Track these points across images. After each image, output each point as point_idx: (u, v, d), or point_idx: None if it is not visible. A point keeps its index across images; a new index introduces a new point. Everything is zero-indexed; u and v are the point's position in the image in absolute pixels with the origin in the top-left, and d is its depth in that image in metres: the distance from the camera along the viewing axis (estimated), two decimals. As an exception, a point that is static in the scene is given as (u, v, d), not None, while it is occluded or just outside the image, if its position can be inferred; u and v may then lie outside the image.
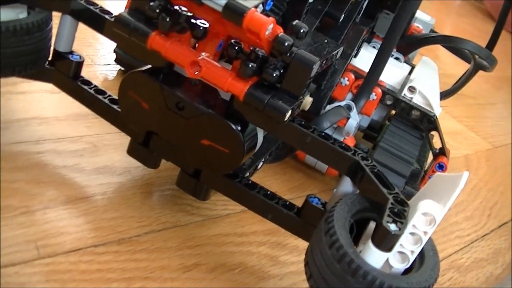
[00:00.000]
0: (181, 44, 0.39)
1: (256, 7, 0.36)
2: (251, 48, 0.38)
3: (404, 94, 0.59)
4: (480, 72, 0.69)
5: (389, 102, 0.58)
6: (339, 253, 0.33)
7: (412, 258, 0.34)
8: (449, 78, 0.86)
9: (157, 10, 0.38)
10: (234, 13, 0.35)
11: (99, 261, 0.38)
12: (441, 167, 0.58)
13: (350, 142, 0.56)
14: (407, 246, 0.34)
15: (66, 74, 0.45)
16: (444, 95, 0.75)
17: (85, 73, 0.46)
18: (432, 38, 0.68)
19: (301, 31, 0.38)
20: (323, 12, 0.51)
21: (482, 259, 0.59)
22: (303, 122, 0.40)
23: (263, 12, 0.38)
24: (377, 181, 0.37)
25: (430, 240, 0.37)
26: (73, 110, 0.50)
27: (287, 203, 0.42)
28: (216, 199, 0.48)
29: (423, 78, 0.62)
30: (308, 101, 0.40)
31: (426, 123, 0.58)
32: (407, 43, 0.68)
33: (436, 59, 0.74)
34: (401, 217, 0.34)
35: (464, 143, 0.87)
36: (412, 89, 0.59)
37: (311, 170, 0.59)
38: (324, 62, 0.46)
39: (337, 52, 0.51)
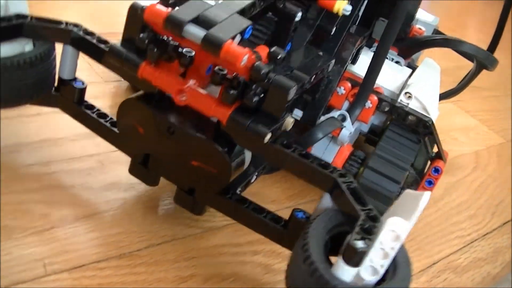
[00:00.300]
0: (169, 72, 0.42)
1: (233, 38, 0.39)
2: (234, 75, 0.41)
3: (401, 100, 0.60)
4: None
5: (386, 109, 0.60)
6: (311, 268, 0.36)
7: (382, 271, 0.37)
8: (462, 70, 0.86)
9: (146, 42, 0.41)
10: (212, 45, 0.38)
11: (101, 275, 0.42)
12: (437, 171, 0.59)
13: (347, 149, 0.58)
14: (376, 260, 0.36)
15: (71, 99, 0.49)
16: (447, 95, 0.76)
17: (95, 90, 0.49)
18: (430, 41, 0.69)
19: (278, 57, 0.41)
20: (315, 25, 0.53)
21: (481, 258, 0.60)
22: (285, 142, 0.42)
23: (242, 40, 0.41)
24: (351, 197, 0.39)
25: (403, 250, 0.39)
26: (83, 130, 0.54)
27: (275, 216, 0.45)
28: (215, 211, 0.51)
29: (421, 82, 0.64)
30: (289, 121, 0.43)
31: (422, 128, 0.59)
32: (407, 46, 0.69)
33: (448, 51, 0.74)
34: (370, 234, 0.37)
35: (476, 138, 0.87)
36: (408, 95, 0.60)
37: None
38: (313, 77, 0.49)
39: (329, 65, 0.53)
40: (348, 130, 0.56)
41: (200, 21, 0.39)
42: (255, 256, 0.49)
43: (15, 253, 0.41)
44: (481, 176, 0.77)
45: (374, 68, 0.56)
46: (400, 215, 0.37)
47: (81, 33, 0.46)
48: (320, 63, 0.52)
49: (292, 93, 0.40)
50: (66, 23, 0.47)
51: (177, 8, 0.40)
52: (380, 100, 0.59)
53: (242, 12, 0.42)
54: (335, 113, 0.56)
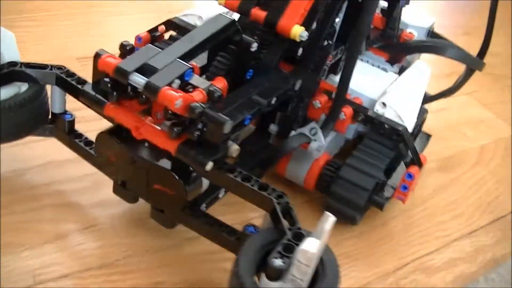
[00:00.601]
0: (129, 110, 0.48)
1: (170, 84, 0.45)
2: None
3: (376, 109, 0.63)
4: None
5: (360, 119, 0.63)
6: (238, 281, 0.41)
7: (304, 283, 0.41)
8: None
9: (108, 85, 0.48)
10: (151, 92, 0.44)
11: (81, 283, 0.50)
12: (410, 177, 0.62)
13: (323, 159, 0.62)
14: (296, 275, 0.41)
15: (63, 130, 0.57)
16: (439, 96, 0.77)
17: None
18: (414, 47, 0.71)
19: (215, 95, 0.46)
20: (282, 49, 0.57)
21: (458, 258, 0.63)
22: (229, 167, 0.48)
23: (183, 84, 0.46)
24: (281, 217, 0.44)
25: (332, 258, 0.43)
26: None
27: (230, 230, 0.50)
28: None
29: (399, 89, 0.66)
30: (234, 149, 0.48)
31: (396, 136, 0.62)
32: (393, 53, 0.71)
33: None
34: (291, 252, 0.42)
35: (485, 132, 0.87)
36: (382, 104, 0.63)
37: (294, 183, 0.66)
38: (275, 99, 0.54)
39: (295, 84, 0.57)
40: (319, 142, 0.60)
41: (144, 69, 0.45)
42: (224, 262, 0.54)
43: (11, 266, 0.49)
44: (481, 172, 0.78)
45: (344, 83, 0.59)
46: (316, 235, 0.42)
47: (63, 75, 0.54)
48: (283, 85, 0.56)
49: (228, 127, 0.45)
50: (52, 67, 0.54)
51: (127, 57, 0.46)
52: (355, 111, 0.63)
53: (188, 55, 0.48)
54: (307, 128, 0.60)
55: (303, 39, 0.54)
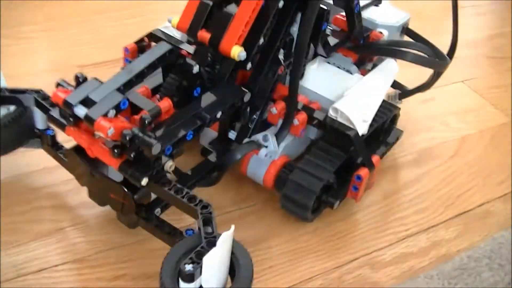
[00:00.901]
0: (84, 132, 0.56)
1: (106, 114, 0.52)
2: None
3: (330, 114, 0.67)
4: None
5: (314, 122, 0.67)
6: (161, 284, 0.49)
7: (215, 284, 0.48)
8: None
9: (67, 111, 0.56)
10: (88, 122, 0.52)
11: (55, 276, 0.59)
12: (359, 178, 0.66)
13: (280, 161, 0.67)
14: (208, 276, 0.48)
15: (47, 143, 0.66)
16: (413, 92, 0.79)
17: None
18: (376, 50, 0.73)
19: (146, 122, 0.53)
20: (230, 66, 0.63)
21: (410, 253, 0.67)
22: (164, 181, 0.55)
23: (119, 110, 0.53)
24: (201, 226, 0.51)
25: (247, 261, 0.50)
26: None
27: (177, 231, 0.58)
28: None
29: (358, 92, 0.69)
30: (168, 165, 0.55)
31: (346, 140, 0.66)
32: (357, 54, 0.74)
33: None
34: (201, 258, 0.48)
35: (472, 122, 0.88)
36: (335, 109, 0.67)
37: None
38: (220, 113, 0.60)
39: (244, 97, 0.63)
40: (272, 147, 0.65)
41: (86, 101, 0.53)
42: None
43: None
44: (457, 164, 0.79)
45: (291, 95, 0.65)
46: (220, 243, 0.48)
47: (39, 98, 0.63)
48: (231, 99, 0.62)
49: (156, 149, 0.52)
50: (30, 91, 0.64)
51: (74, 90, 0.54)
52: (309, 117, 0.67)
53: (128, 85, 0.55)
54: (260, 135, 0.66)
55: (242, 58, 0.60)
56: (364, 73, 0.75)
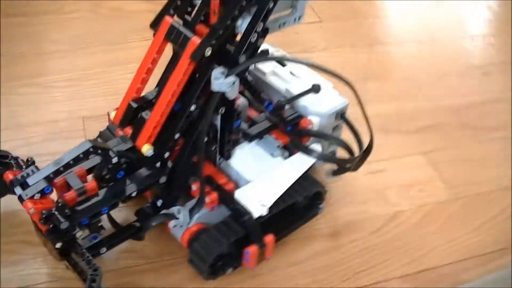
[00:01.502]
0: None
1: (32, 196, 0.73)
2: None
3: (236, 196, 0.81)
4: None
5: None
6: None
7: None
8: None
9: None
10: (20, 201, 0.73)
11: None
12: (247, 253, 0.79)
13: (195, 227, 0.83)
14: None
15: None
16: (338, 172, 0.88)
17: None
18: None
19: (60, 204, 0.72)
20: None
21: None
22: (73, 247, 0.75)
23: (44, 194, 0.74)
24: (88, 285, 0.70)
25: None
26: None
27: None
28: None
29: (268, 176, 0.82)
30: (79, 235, 0.74)
31: (245, 218, 0.80)
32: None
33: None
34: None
35: (411, 197, 0.92)
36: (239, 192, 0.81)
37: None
38: (135, 192, 0.78)
39: (159, 180, 0.80)
40: (180, 220, 0.81)
41: (23, 184, 0.74)
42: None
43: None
44: (372, 241, 0.85)
45: (200, 180, 0.80)
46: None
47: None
48: (147, 182, 0.80)
49: (64, 225, 0.72)
50: (11, 157, 0.86)
51: (20, 173, 0.76)
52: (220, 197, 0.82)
53: (55, 173, 0.75)
54: (176, 208, 0.82)
55: (149, 155, 0.76)
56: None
